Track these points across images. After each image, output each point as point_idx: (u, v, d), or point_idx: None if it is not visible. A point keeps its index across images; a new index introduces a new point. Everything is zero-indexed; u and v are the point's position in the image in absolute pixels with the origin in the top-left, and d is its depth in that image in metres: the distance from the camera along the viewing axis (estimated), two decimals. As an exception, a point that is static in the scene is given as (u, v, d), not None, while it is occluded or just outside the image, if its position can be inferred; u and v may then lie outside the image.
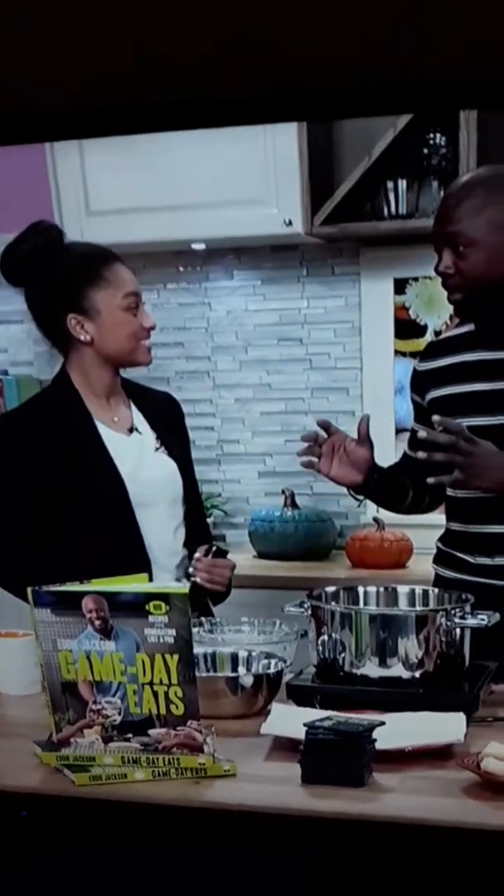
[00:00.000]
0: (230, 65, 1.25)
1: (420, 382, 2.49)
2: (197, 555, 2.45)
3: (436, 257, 2.33)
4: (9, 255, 2.45)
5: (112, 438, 2.47)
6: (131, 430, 2.52)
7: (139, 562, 2.38)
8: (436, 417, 2.19)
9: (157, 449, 2.53)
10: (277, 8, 0.94)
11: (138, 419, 2.54)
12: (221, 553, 2.48)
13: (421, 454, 2.17)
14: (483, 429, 2.25)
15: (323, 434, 2.38)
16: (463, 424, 2.18)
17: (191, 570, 2.43)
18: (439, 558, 2.48)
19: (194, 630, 1.97)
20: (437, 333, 3.77)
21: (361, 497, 2.48)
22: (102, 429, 2.46)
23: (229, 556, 2.54)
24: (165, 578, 2.45)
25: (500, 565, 2.31)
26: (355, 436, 2.38)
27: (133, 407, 2.56)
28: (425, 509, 2.58)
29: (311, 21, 1.19)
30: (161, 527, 2.49)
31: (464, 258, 2.25)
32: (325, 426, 2.39)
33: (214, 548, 2.48)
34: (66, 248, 2.48)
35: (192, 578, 2.41)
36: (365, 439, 2.37)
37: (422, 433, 2.21)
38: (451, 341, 2.45)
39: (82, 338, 2.43)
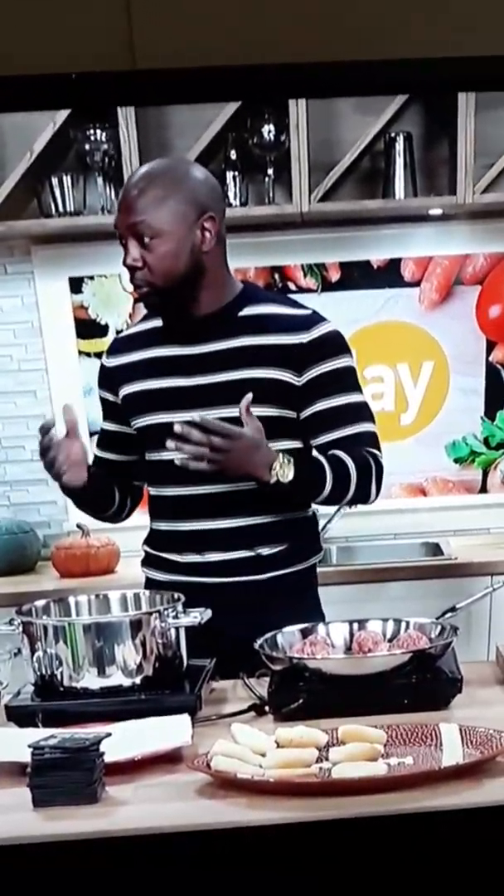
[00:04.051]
0: None
1: (110, 379, 2.47)
2: None
3: (113, 254, 2.34)
4: None
5: None
6: None
7: None
8: (196, 416, 2.21)
9: None
10: None
11: None
12: None
13: (171, 444, 2.18)
14: (169, 425, 2.27)
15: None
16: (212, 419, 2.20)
17: None
18: (147, 561, 2.49)
19: None
20: (119, 332, 3.78)
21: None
22: None
23: None
24: None
25: (210, 562, 2.36)
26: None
27: None
28: (128, 513, 2.59)
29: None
30: None
31: (151, 250, 2.26)
32: (46, 429, 2.35)
33: None
34: None
35: None
36: (74, 430, 2.35)
37: (177, 427, 2.18)
38: (140, 336, 2.45)
39: None
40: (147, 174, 2.30)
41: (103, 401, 2.52)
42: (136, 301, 3.70)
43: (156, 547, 2.46)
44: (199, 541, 2.37)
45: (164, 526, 2.43)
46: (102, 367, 2.51)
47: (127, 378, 2.42)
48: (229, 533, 2.35)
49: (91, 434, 3.67)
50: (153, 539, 2.47)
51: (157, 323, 2.43)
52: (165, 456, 2.31)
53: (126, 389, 2.42)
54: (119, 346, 2.50)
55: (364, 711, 1.85)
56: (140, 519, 2.55)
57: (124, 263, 2.30)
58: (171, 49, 1.30)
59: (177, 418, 2.24)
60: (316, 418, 2.34)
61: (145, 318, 2.50)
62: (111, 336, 3.73)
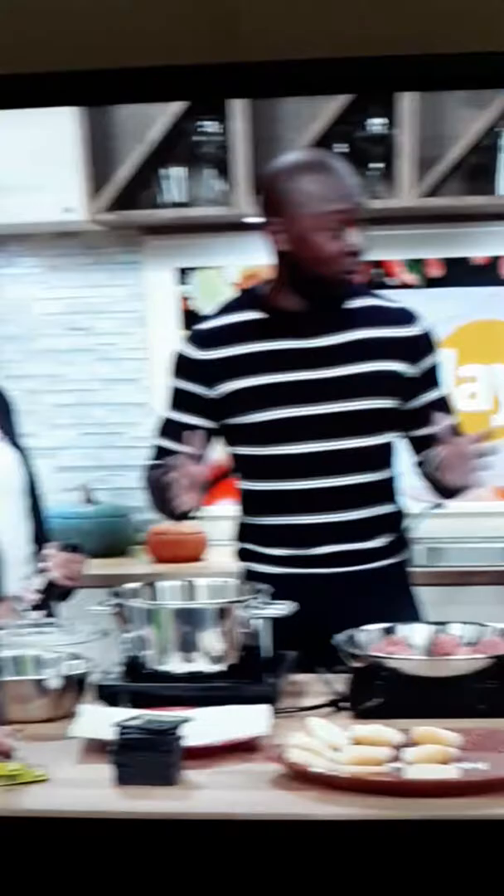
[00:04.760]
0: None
1: (202, 372, 2.43)
2: (50, 550, 2.39)
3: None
4: None
5: None
6: None
7: None
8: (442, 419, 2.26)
9: None
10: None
11: None
12: (75, 547, 2.41)
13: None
14: (291, 420, 2.33)
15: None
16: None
17: (43, 565, 2.36)
18: (247, 555, 2.48)
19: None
20: (198, 324, 3.80)
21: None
22: None
23: None
24: (15, 573, 2.40)
25: (319, 554, 2.38)
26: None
27: None
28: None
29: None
30: (5, 520, 2.44)
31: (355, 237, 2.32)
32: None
33: (68, 543, 2.41)
34: None
35: (47, 574, 2.35)
36: (197, 457, 2.26)
37: (436, 429, 2.26)
38: (234, 329, 2.43)
39: None
40: (341, 162, 2.37)
41: (181, 392, 2.47)
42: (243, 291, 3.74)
43: (259, 542, 2.45)
44: (310, 534, 2.38)
45: (269, 521, 2.43)
46: (189, 360, 2.46)
47: (232, 372, 2.40)
48: (342, 526, 2.38)
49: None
50: (253, 534, 2.46)
51: (248, 315, 2.43)
52: (289, 450, 2.35)
53: (233, 384, 2.40)
54: (210, 338, 2.45)
55: (440, 714, 1.86)
56: (227, 509, 2.57)
57: (338, 250, 2.30)
58: (278, 40, 1.31)
59: (302, 413, 2.30)
60: (424, 409, 2.39)
61: (228, 310, 2.49)
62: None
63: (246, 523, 2.50)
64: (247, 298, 2.53)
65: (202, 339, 2.47)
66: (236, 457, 2.48)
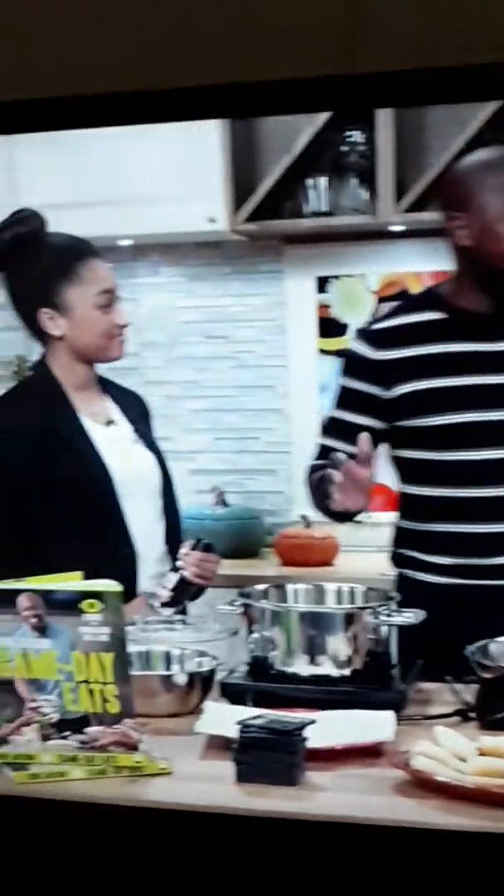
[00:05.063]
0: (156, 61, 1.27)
1: (377, 372, 2.38)
2: (184, 549, 2.41)
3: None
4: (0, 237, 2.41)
5: (93, 430, 2.46)
6: (109, 422, 2.51)
7: (125, 552, 2.40)
8: None
9: (134, 441, 2.53)
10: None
11: (115, 412, 2.54)
12: (209, 547, 2.43)
13: None
14: (475, 425, 2.28)
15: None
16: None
17: (178, 563, 2.40)
18: (409, 563, 2.43)
19: (128, 629, 1.98)
20: (372, 323, 3.80)
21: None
22: (84, 420, 2.46)
23: None
24: (147, 572, 2.45)
25: (494, 566, 2.31)
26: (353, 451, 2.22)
27: (109, 400, 2.55)
28: None
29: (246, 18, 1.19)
30: (142, 519, 2.47)
31: None
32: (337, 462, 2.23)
33: (202, 542, 2.43)
34: (45, 239, 2.42)
35: (181, 573, 2.39)
36: (367, 458, 2.20)
37: None
38: (413, 329, 2.38)
39: (54, 332, 2.43)
40: None
41: (351, 391, 2.43)
42: (380, 300, 3.74)
43: (421, 549, 2.39)
44: (486, 544, 2.32)
45: (436, 527, 2.36)
46: (363, 359, 2.41)
47: (410, 374, 2.35)
48: None
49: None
50: (416, 540, 2.40)
51: (428, 315, 2.39)
52: (467, 456, 2.30)
53: (410, 386, 2.34)
54: (386, 338, 2.40)
55: None
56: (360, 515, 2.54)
57: None
58: (404, 48, 1.29)
59: (483, 418, 2.27)
60: None
61: (405, 310, 2.45)
62: (350, 335, 3.79)
63: (407, 528, 2.44)
64: (426, 298, 2.50)
65: (377, 339, 2.42)
66: (404, 460, 2.42)
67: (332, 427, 2.46)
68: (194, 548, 2.42)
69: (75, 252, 2.43)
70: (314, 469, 2.42)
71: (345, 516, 2.36)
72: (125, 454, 2.48)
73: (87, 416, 2.46)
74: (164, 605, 2.36)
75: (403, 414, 2.36)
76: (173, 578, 2.38)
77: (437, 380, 2.33)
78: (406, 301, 2.51)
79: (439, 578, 2.35)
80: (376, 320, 2.47)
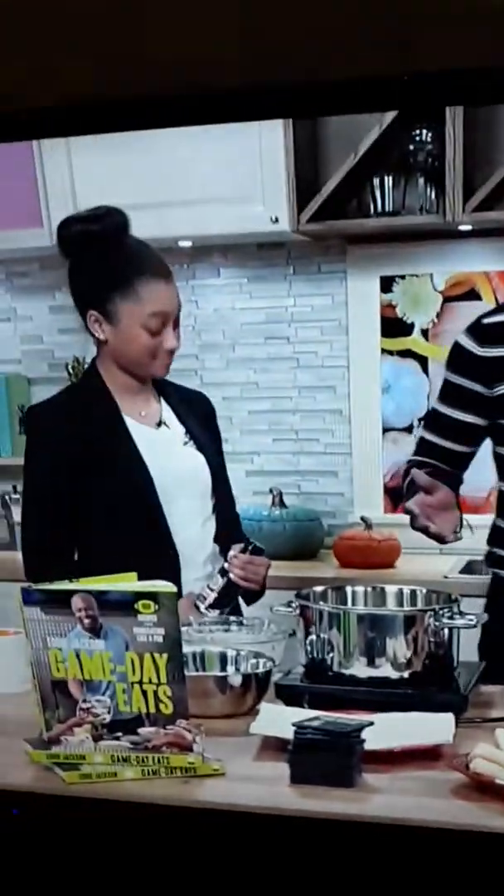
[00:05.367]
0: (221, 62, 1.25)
1: (482, 368, 2.32)
2: (232, 552, 2.40)
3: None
4: (70, 227, 2.41)
5: (139, 431, 2.45)
6: (159, 423, 2.51)
7: (167, 555, 2.39)
8: None
9: (185, 443, 2.52)
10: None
11: (167, 414, 2.53)
12: (258, 551, 2.40)
13: None
14: None
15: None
16: None
17: (226, 566, 2.39)
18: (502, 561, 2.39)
19: (183, 629, 1.97)
20: (425, 332, 3.78)
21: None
22: (129, 422, 2.45)
23: None
24: (193, 573, 2.44)
25: None
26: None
27: (163, 402, 2.54)
28: None
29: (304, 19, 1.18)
30: (188, 520, 2.47)
31: None
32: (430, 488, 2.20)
33: (251, 545, 2.41)
34: (119, 241, 2.41)
35: (227, 575, 2.37)
36: (435, 486, 2.18)
37: None
38: None
39: (98, 335, 2.43)
40: None
41: (455, 386, 2.38)
42: (446, 300, 3.69)
43: None
44: None
45: None
46: (468, 354, 2.35)
47: None
48: None
49: (385, 431, 3.79)
50: None
51: None
52: None
53: None
54: (493, 333, 2.32)
55: None
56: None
57: None
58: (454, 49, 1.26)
59: None
60: None
61: None
62: (416, 335, 3.74)
63: None
64: None
65: (485, 334, 2.35)
66: None
67: (433, 422, 2.43)
68: (244, 550, 2.40)
69: (139, 268, 2.39)
70: (411, 465, 2.38)
71: (444, 540, 2.27)
72: (172, 455, 2.48)
73: (134, 418, 2.47)
74: (210, 606, 2.33)
75: None
76: (220, 580, 2.36)
77: None
78: None
79: None
80: (485, 315, 2.39)
